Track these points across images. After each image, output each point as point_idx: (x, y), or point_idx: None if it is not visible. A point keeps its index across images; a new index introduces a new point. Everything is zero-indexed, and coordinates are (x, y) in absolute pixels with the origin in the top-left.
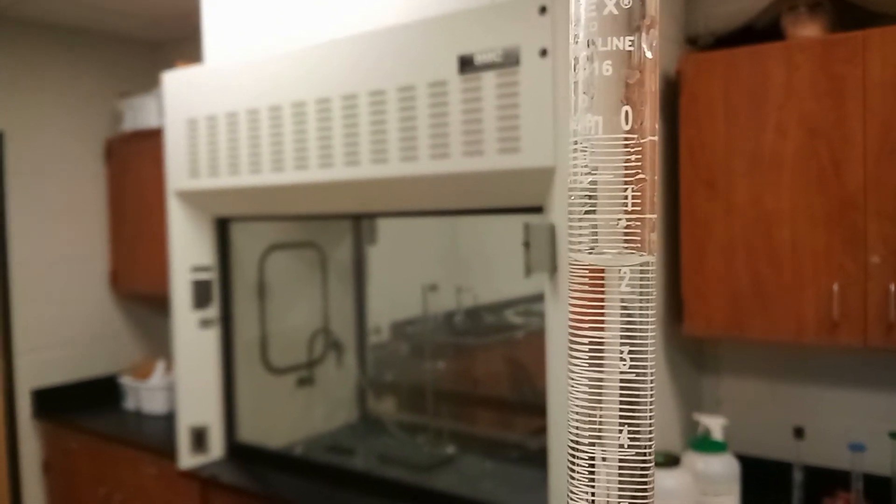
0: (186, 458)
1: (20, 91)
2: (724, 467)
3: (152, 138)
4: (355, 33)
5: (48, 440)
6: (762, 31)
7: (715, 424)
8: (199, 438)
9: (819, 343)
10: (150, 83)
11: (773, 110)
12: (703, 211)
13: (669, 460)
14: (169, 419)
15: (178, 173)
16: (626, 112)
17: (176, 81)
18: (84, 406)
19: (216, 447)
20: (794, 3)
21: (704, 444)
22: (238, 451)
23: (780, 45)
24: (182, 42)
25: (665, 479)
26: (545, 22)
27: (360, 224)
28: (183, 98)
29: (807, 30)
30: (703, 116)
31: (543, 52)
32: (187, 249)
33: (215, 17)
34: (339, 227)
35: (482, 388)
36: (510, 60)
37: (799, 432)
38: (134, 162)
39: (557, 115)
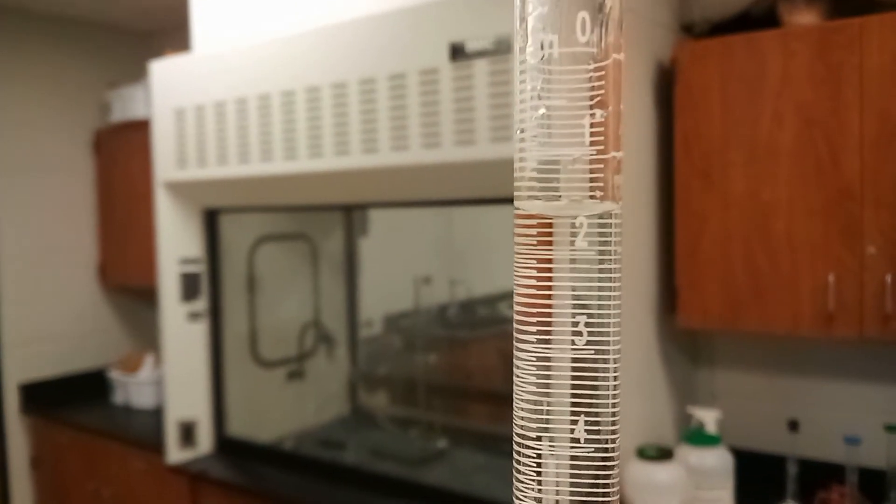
0: (175, 453)
1: (6, 81)
2: (717, 461)
3: (141, 129)
4: (344, 20)
5: (36, 435)
6: (758, 18)
7: (709, 417)
8: (188, 433)
9: (815, 335)
10: (138, 73)
11: (770, 99)
12: (699, 202)
13: (663, 454)
14: (158, 413)
15: (166, 164)
16: (583, 20)
17: (164, 70)
18: (72, 400)
19: (205, 441)
20: None
21: (698, 437)
22: (227, 446)
23: (776, 32)
24: (171, 31)
25: (658, 473)
26: None
27: (352, 215)
28: (171, 87)
29: (803, 17)
30: (698, 105)
31: None
32: (175, 241)
33: (204, 4)
34: (330, 218)
35: (475, 381)
36: (502, 48)
37: (794, 425)
38: (122, 154)
39: None
